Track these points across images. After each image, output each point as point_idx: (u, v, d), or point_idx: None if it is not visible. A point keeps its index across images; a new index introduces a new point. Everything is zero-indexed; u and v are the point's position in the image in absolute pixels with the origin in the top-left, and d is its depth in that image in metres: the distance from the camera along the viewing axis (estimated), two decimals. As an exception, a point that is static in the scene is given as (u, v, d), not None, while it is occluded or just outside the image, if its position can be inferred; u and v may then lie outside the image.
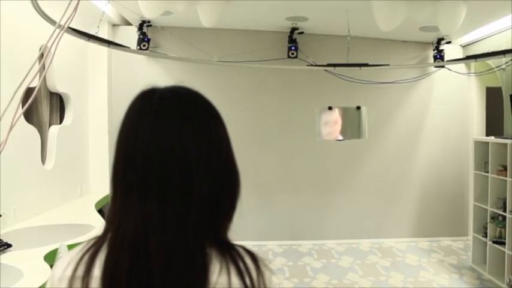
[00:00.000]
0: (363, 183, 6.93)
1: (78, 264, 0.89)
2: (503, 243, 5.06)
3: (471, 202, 5.79)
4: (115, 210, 0.90)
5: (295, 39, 6.35)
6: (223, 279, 0.85)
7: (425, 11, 4.76)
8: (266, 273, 0.91)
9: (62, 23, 2.55)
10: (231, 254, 0.90)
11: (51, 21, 2.98)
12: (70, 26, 3.86)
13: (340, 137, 4.58)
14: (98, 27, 4.23)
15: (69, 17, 2.45)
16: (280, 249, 6.47)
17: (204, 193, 0.88)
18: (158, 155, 0.86)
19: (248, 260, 0.90)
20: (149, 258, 0.82)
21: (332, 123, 4.48)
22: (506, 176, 4.99)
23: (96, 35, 4.13)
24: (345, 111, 4.54)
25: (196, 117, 0.92)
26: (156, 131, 0.87)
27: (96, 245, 0.91)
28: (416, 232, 7.00)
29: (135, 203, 0.86)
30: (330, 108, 4.40)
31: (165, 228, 0.84)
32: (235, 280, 0.86)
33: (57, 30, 2.50)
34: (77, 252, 0.92)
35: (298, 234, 6.79)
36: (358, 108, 4.51)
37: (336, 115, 4.58)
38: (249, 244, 6.05)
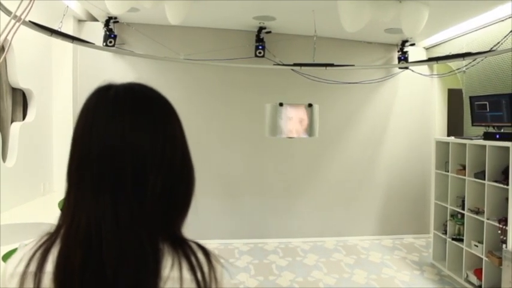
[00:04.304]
0: (328, 182, 7.01)
1: (30, 260, 0.89)
2: (461, 240, 5.22)
3: (433, 200, 5.94)
4: (69, 205, 0.90)
5: (263, 38, 6.38)
6: (175, 273, 0.86)
7: (389, 13, 4.86)
8: (218, 268, 0.93)
9: (18, 13, 2.49)
10: (184, 249, 0.91)
11: (7, 12, 2.92)
12: (33, 20, 3.80)
13: (305, 135, 4.59)
14: (61, 22, 4.17)
15: (26, 8, 2.39)
16: (246, 248, 6.49)
17: (158, 188, 0.89)
18: (112, 150, 0.87)
19: (200, 255, 0.92)
20: (101, 253, 0.83)
21: (297, 120, 4.48)
22: (465, 175, 5.14)
23: (59, 30, 4.06)
24: (297, 108, 4.53)
25: (150, 113, 0.93)
26: (110, 126, 0.88)
27: (49, 241, 0.90)
28: (380, 230, 7.14)
29: (88, 198, 0.86)
30: (281, 105, 4.40)
31: (118, 223, 0.84)
32: (186, 275, 0.87)
33: (13, 22, 2.43)
34: (29, 248, 0.91)
35: (264, 233, 6.82)
36: (310, 105, 4.48)
37: (301, 112, 4.58)
38: (216, 243, 6.12)
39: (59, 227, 0.91)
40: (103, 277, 0.82)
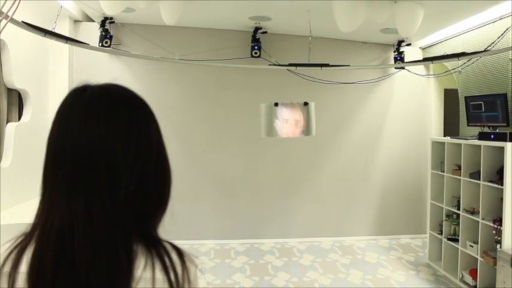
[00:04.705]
0: (325, 182, 7.01)
1: (5, 260, 0.89)
2: (457, 240, 5.22)
3: (429, 201, 5.93)
4: (43, 205, 0.91)
5: (259, 38, 6.38)
6: (148, 274, 0.86)
7: (384, 13, 4.86)
8: (191, 269, 0.93)
9: (6, 10, 2.48)
10: (158, 249, 0.91)
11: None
12: (29, 21, 3.80)
13: (302, 135, 4.57)
14: (55, 22, 4.16)
15: (12, 5, 2.37)
16: (242, 248, 6.48)
17: (131, 189, 0.89)
18: (85, 151, 0.87)
19: (174, 256, 0.92)
20: (74, 253, 0.83)
21: (293, 122, 4.47)
22: (460, 175, 5.14)
23: (53, 30, 4.06)
24: (292, 108, 4.50)
25: (125, 114, 0.93)
26: (84, 127, 0.88)
27: (24, 241, 0.90)
28: (377, 230, 7.13)
29: (62, 199, 0.86)
30: (276, 104, 4.37)
31: (91, 223, 0.84)
32: (159, 275, 0.87)
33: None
34: (5, 248, 0.92)
35: (260, 233, 6.82)
36: (306, 104, 4.45)
37: (297, 113, 4.56)
38: (212, 243, 6.13)
39: (34, 227, 0.91)
40: (75, 277, 0.82)
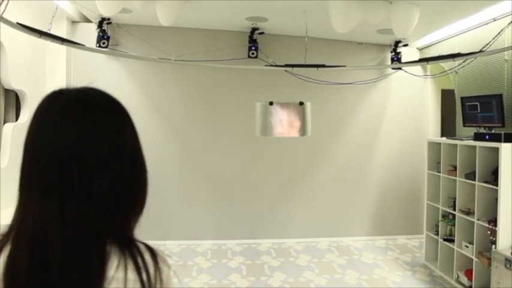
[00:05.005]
0: (322, 182, 7.02)
1: None
2: (452, 241, 5.22)
3: (425, 201, 5.94)
4: (19, 206, 0.92)
5: (256, 39, 6.39)
6: (120, 274, 0.87)
7: (379, 14, 4.87)
8: (164, 269, 0.94)
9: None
10: (131, 250, 0.92)
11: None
12: (26, 22, 3.81)
13: (297, 135, 4.55)
14: (51, 24, 4.17)
15: (0, 4, 2.38)
16: (239, 248, 6.49)
17: (104, 192, 0.90)
18: (60, 153, 0.88)
19: (147, 257, 0.93)
20: (47, 254, 0.84)
21: (287, 123, 4.46)
22: (456, 176, 5.14)
23: (48, 31, 4.07)
24: (288, 107, 4.49)
25: (99, 117, 0.94)
26: (59, 130, 0.90)
27: (1, 242, 0.92)
28: (374, 231, 7.14)
29: (37, 201, 0.88)
30: (271, 103, 4.36)
31: (64, 224, 0.86)
32: (131, 275, 0.88)
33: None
34: None
35: (257, 233, 6.83)
36: (301, 104, 4.44)
37: (292, 114, 4.54)
38: (209, 243, 6.15)
39: (11, 228, 0.92)
40: (49, 278, 0.84)
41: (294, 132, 4.45)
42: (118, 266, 0.88)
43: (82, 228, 0.87)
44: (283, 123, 4.37)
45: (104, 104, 0.98)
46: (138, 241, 0.96)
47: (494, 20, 5.09)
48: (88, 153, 0.89)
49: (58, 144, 0.88)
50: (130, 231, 1.00)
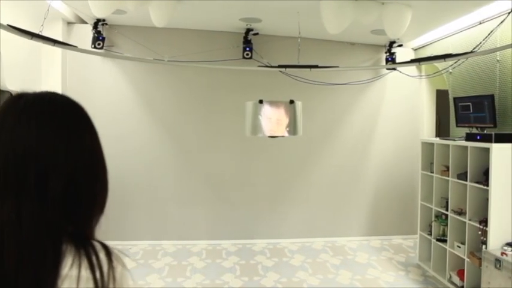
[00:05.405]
0: (318, 183, 7.03)
1: None
2: (445, 241, 5.23)
3: (419, 201, 5.94)
4: None
5: (250, 40, 6.40)
6: (74, 272, 0.89)
7: (371, 14, 4.88)
8: (118, 268, 0.96)
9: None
10: (86, 249, 0.93)
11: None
12: (23, 23, 3.83)
13: (286, 134, 4.56)
14: (42, 25, 4.19)
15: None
16: (234, 248, 6.51)
17: (59, 192, 0.92)
18: (16, 155, 0.90)
19: (102, 255, 0.94)
20: (3, 253, 0.86)
21: (275, 121, 4.46)
22: (448, 176, 5.15)
23: (40, 33, 4.09)
24: (277, 105, 4.49)
25: (57, 120, 0.96)
26: (16, 132, 0.92)
27: None
28: (369, 231, 7.15)
29: None
30: (261, 102, 4.36)
31: (20, 224, 0.87)
32: (85, 273, 0.90)
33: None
34: None
35: (253, 234, 6.85)
36: (292, 102, 4.43)
37: (281, 111, 4.54)
38: (204, 243, 6.17)
39: None
40: (4, 277, 0.85)
41: (282, 130, 4.45)
42: (72, 265, 0.90)
43: (38, 228, 0.89)
44: (272, 120, 4.37)
45: (61, 107, 1.00)
46: (96, 240, 0.98)
47: (482, 23, 5.10)
48: (44, 155, 0.91)
49: (15, 145, 0.90)
50: (90, 231, 1.01)
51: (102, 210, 1.05)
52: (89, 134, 1.02)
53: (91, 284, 0.90)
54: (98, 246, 0.96)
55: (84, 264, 0.91)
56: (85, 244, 0.95)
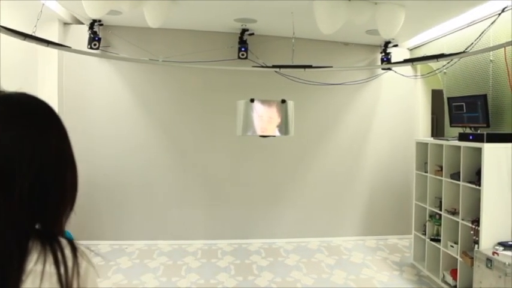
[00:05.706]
0: (313, 183, 7.04)
1: None
2: (439, 241, 5.24)
3: (413, 201, 5.95)
4: None
5: (246, 40, 6.42)
6: (38, 267, 0.91)
7: (364, 15, 4.89)
8: (82, 264, 0.98)
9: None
10: (52, 245, 0.95)
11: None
12: (19, 24, 3.85)
13: (277, 133, 4.55)
14: (35, 26, 4.20)
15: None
16: (229, 248, 6.52)
17: (25, 191, 0.93)
18: None
19: (67, 251, 0.96)
20: None
21: (267, 119, 4.46)
22: (442, 176, 5.16)
23: (33, 34, 4.10)
24: (269, 104, 4.48)
25: (23, 121, 0.98)
26: None
27: None
28: (365, 231, 7.16)
29: None
30: (252, 100, 4.36)
31: None
32: (49, 268, 0.92)
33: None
34: None
35: (248, 234, 6.86)
36: (284, 101, 4.42)
37: (272, 110, 4.53)
38: (200, 243, 6.19)
39: None
40: None
41: (273, 129, 4.45)
42: (37, 260, 0.92)
43: (3, 226, 0.90)
44: (264, 118, 4.37)
45: (28, 107, 1.02)
46: (62, 237, 1.00)
47: (470, 25, 5.11)
48: (9, 154, 0.93)
49: None
50: (59, 228, 1.03)
51: (71, 208, 1.06)
52: (56, 134, 1.04)
53: (54, 279, 0.92)
54: (64, 243, 0.98)
55: (49, 260, 0.93)
56: (51, 241, 0.96)
